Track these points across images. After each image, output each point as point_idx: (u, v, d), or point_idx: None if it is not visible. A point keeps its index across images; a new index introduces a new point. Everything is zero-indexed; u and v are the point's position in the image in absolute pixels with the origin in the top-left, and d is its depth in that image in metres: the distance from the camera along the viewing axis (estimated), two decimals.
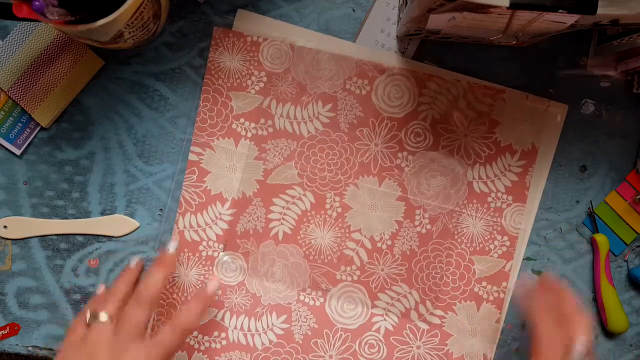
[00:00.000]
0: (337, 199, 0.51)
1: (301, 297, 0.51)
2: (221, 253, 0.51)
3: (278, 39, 0.50)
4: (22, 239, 0.51)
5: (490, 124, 0.51)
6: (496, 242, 0.52)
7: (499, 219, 0.52)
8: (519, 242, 0.52)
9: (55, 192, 0.51)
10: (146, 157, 0.51)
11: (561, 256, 0.53)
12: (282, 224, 0.51)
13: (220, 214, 0.51)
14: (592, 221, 0.53)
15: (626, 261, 0.54)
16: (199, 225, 0.51)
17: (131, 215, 0.51)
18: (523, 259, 0.52)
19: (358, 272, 0.51)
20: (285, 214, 0.51)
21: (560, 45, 0.51)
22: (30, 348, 0.51)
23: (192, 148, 0.51)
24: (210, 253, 0.51)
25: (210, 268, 0.51)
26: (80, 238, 0.51)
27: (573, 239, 0.53)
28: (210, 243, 0.51)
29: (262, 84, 0.50)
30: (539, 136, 0.51)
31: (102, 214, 0.51)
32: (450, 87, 0.51)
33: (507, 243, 0.52)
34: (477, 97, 0.51)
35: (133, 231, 0.51)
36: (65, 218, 0.51)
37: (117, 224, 0.51)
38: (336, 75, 0.51)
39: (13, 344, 0.51)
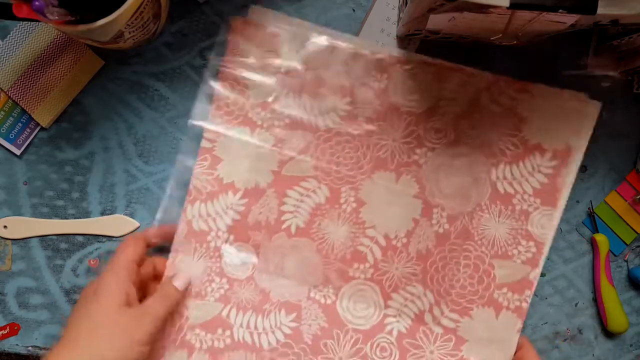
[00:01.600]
0: (353, 193, 0.49)
1: (312, 294, 0.49)
2: (225, 245, 0.49)
3: (293, 32, 0.49)
4: (22, 239, 0.51)
5: (517, 120, 0.48)
6: (520, 247, 0.49)
7: (524, 223, 0.49)
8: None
9: (55, 192, 0.51)
10: (146, 157, 0.51)
11: (561, 256, 0.53)
12: (295, 216, 0.50)
13: (231, 203, 0.49)
14: (592, 221, 0.53)
15: (626, 261, 0.54)
16: (208, 215, 0.49)
17: (131, 215, 0.51)
18: None
19: (371, 270, 0.50)
20: (298, 206, 0.50)
21: (560, 45, 0.51)
22: (30, 348, 0.51)
23: (205, 134, 0.49)
24: (218, 244, 0.49)
25: (218, 260, 0.49)
26: (80, 238, 0.51)
27: (573, 239, 0.53)
28: (220, 233, 0.49)
29: (279, 76, 0.49)
30: (576, 135, 0.48)
31: (102, 214, 0.51)
32: (472, 80, 0.49)
33: (534, 249, 0.49)
34: (502, 91, 0.48)
35: (133, 231, 0.51)
36: (65, 218, 0.51)
37: (117, 224, 0.51)
38: (354, 68, 0.49)
39: (13, 344, 0.51)
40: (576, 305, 0.53)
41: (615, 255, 0.53)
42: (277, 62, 0.49)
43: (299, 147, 0.49)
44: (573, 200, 0.53)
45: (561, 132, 0.48)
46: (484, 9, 0.35)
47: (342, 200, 0.50)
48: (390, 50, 0.50)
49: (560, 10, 0.34)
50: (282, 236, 0.50)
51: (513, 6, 0.34)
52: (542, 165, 0.49)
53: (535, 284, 0.49)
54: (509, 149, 0.49)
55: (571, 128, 0.48)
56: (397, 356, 0.49)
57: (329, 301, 0.50)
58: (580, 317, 0.53)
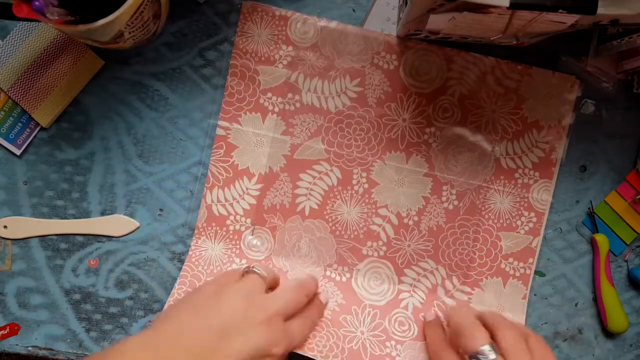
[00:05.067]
0: (364, 174, 0.51)
1: (327, 273, 0.52)
2: (246, 232, 0.51)
3: (302, 16, 0.50)
4: (22, 239, 0.51)
5: (518, 100, 0.51)
6: (523, 219, 0.52)
7: (526, 195, 0.52)
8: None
9: (55, 192, 0.51)
10: (146, 157, 0.51)
11: (561, 256, 0.53)
12: (308, 199, 0.51)
13: (247, 188, 0.51)
14: (592, 221, 0.53)
15: (626, 261, 0.54)
16: (226, 200, 0.51)
17: (131, 215, 0.51)
18: None
19: (384, 248, 0.52)
20: (311, 189, 0.51)
21: (560, 45, 0.51)
22: (30, 348, 0.51)
23: (220, 122, 0.51)
24: (237, 227, 0.51)
25: (238, 242, 0.51)
26: (80, 238, 0.51)
27: (573, 239, 0.53)
28: (238, 217, 0.51)
29: (289, 59, 0.50)
30: (565, 113, 0.51)
31: (102, 214, 0.51)
32: (478, 63, 0.51)
33: (534, 219, 0.52)
34: (504, 73, 0.51)
35: (133, 231, 0.51)
36: (65, 218, 0.51)
37: (117, 224, 0.51)
38: (364, 49, 0.50)
39: (13, 344, 0.51)
40: (576, 305, 0.53)
41: (615, 255, 0.53)
42: (287, 45, 0.50)
43: (310, 130, 0.51)
44: (573, 200, 0.53)
45: (554, 110, 0.51)
46: (484, 9, 0.35)
47: (354, 182, 0.51)
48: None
49: (560, 10, 0.34)
50: (296, 218, 0.51)
51: (513, 6, 0.34)
52: (540, 141, 0.51)
53: (537, 251, 0.52)
54: (510, 126, 0.51)
55: (561, 106, 0.51)
56: (416, 331, 0.51)
57: (344, 279, 0.52)
58: (580, 317, 0.53)
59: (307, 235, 0.52)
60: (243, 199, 0.51)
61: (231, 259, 0.51)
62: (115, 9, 0.39)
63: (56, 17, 0.38)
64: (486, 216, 0.52)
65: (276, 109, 0.51)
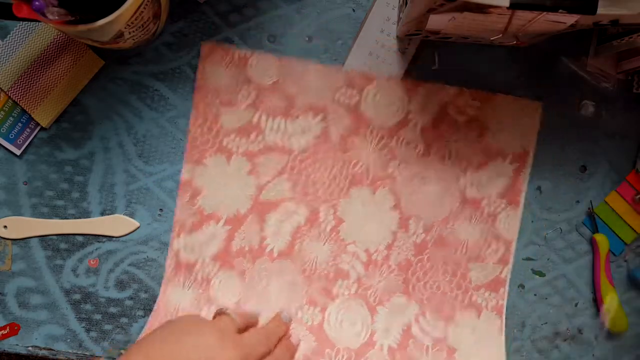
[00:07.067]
0: (331, 211, 0.51)
1: (298, 315, 0.50)
2: (215, 279, 0.50)
3: (262, 54, 0.50)
4: (22, 239, 0.51)
5: (481, 129, 0.51)
6: (491, 249, 0.51)
7: (493, 224, 0.51)
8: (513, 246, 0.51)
9: (55, 192, 0.51)
10: (146, 157, 0.51)
11: (561, 256, 0.53)
12: (276, 239, 0.51)
13: (214, 233, 0.50)
14: (592, 221, 0.53)
15: (626, 261, 0.54)
16: (194, 246, 0.50)
17: (131, 215, 0.52)
18: (523, 259, 0.52)
19: (355, 286, 0.51)
20: (279, 229, 0.51)
21: (560, 45, 0.51)
22: (30, 348, 0.51)
23: (185, 166, 0.50)
24: (206, 273, 0.50)
25: (207, 288, 0.50)
26: (80, 238, 0.51)
27: (573, 239, 0.53)
28: (206, 263, 0.50)
29: (251, 99, 0.50)
30: (530, 139, 0.51)
31: (102, 214, 0.51)
32: (439, 92, 0.50)
33: (503, 248, 0.51)
34: (466, 102, 0.50)
35: (133, 231, 0.51)
36: (65, 218, 0.51)
37: (117, 224, 0.51)
38: (325, 86, 0.50)
39: (13, 344, 0.51)
40: (576, 305, 0.53)
41: (615, 255, 0.53)
42: (248, 85, 0.50)
43: (275, 170, 0.50)
44: (573, 200, 0.53)
45: (518, 137, 0.51)
46: (484, 9, 0.35)
47: (321, 219, 0.51)
48: (357, 67, 0.50)
49: (560, 10, 0.34)
50: (265, 260, 0.51)
51: (513, 6, 0.34)
52: (505, 169, 0.51)
53: (507, 281, 0.51)
54: (474, 156, 0.51)
55: (525, 132, 0.51)
56: None
57: (315, 322, 0.50)
58: (580, 317, 0.53)
59: (276, 277, 0.50)
60: (211, 243, 0.50)
61: (200, 305, 0.50)
62: (115, 9, 0.39)
63: (56, 17, 0.38)
64: (454, 248, 0.51)
65: (240, 150, 0.50)
